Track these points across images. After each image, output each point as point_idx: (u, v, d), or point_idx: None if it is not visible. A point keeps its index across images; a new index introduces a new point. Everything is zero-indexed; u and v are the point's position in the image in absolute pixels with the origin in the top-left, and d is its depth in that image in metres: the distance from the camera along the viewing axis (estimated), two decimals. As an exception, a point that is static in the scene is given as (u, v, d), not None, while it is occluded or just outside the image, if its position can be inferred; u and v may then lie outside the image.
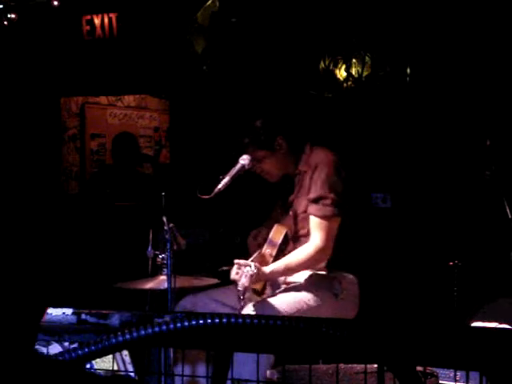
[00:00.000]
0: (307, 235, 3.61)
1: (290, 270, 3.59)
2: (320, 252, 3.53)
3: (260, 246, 3.74)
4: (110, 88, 6.46)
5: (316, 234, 3.53)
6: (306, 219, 3.62)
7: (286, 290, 3.59)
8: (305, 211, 3.62)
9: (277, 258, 3.65)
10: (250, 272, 3.33)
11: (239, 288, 3.33)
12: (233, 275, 3.46)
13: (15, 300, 1.33)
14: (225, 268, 3.62)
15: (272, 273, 3.52)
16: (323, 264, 3.62)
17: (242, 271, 3.36)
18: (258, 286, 3.57)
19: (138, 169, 6.10)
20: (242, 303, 3.38)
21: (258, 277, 3.39)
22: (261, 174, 3.71)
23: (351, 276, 3.65)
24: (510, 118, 4.58)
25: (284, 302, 3.48)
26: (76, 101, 7.12)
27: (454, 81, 4.76)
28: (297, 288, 3.59)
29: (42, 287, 1.37)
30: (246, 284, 3.32)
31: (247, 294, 3.39)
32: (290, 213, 3.70)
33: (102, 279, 4.52)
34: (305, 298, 3.52)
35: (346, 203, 3.58)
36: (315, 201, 3.54)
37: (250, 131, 3.61)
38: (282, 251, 3.66)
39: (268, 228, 3.79)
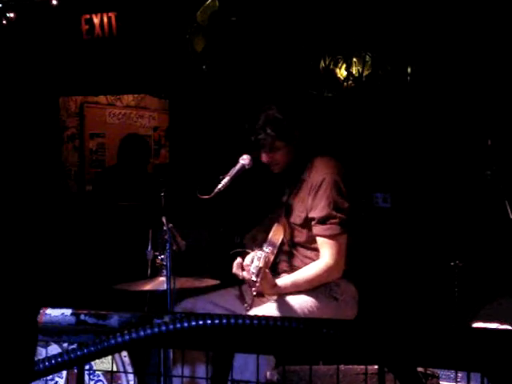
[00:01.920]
0: (303, 244, 3.63)
1: (298, 287, 3.56)
2: (331, 269, 3.53)
3: (259, 247, 3.73)
4: (109, 87, 6.45)
5: (326, 252, 3.53)
6: (299, 230, 3.64)
7: (286, 294, 3.58)
8: (298, 224, 3.63)
9: (277, 257, 3.64)
10: (264, 253, 3.31)
11: (252, 271, 3.28)
12: (247, 260, 3.42)
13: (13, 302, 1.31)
14: (238, 250, 3.60)
15: (279, 288, 3.50)
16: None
17: (254, 255, 3.35)
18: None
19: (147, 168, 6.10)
20: (256, 284, 3.31)
21: (268, 262, 3.36)
22: (270, 163, 3.70)
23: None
24: (511, 117, 4.57)
25: (285, 306, 3.47)
26: (75, 100, 7.12)
27: (455, 80, 4.75)
28: (299, 293, 3.58)
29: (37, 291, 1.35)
30: (261, 265, 3.28)
31: (262, 275, 3.29)
32: (282, 212, 3.71)
33: (101, 280, 4.51)
34: (305, 301, 3.52)
35: (351, 219, 3.58)
36: (322, 221, 3.54)
37: (273, 121, 3.61)
38: (279, 251, 3.67)
39: (265, 228, 3.79)
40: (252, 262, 3.34)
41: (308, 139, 3.72)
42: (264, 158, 3.67)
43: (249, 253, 3.50)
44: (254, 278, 3.27)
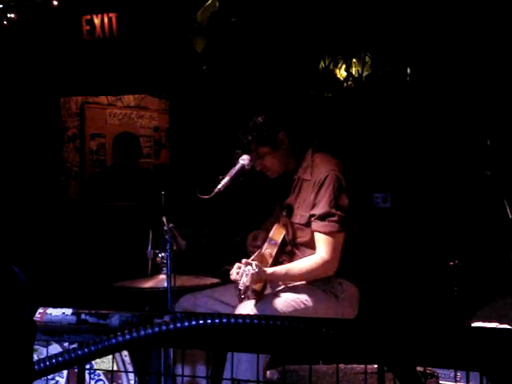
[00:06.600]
0: (307, 244, 3.62)
1: (292, 277, 3.58)
2: (325, 264, 3.54)
3: (259, 247, 3.74)
4: (109, 88, 6.45)
5: (322, 248, 3.54)
6: (304, 230, 3.63)
7: (286, 289, 3.59)
8: (303, 223, 3.63)
9: (277, 257, 3.65)
10: (252, 271, 3.32)
11: (240, 287, 3.31)
12: (234, 275, 3.46)
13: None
14: (227, 267, 3.61)
15: (273, 274, 3.52)
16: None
17: (243, 270, 3.35)
18: (258, 287, 3.57)
19: (139, 164, 6.15)
20: (244, 302, 3.38)
21: (258, 276, 3.38)
22: (262, 170, 3.71)
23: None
24: (510, 117, 4.58)
25: (284, 302, 3.48)
26: (76, 101, 7.11)
27: (454, 80, 4.75)
28: (297, 288, 3.59)
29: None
30: (248, 283, 3.30)
31: (248, 294, 3.37)
32: (284, 213, 3.71)
33: (101, 279, 4.52)
34: (305, 297, 3.52)
35: (351, 217, 3.58)
36: (321, 218, 3.54)
37: (253, 128, 3.61)
38: (281, 251, 3.66)
39: (267, 229, 3.79)
40: (241, 278, 3.34)
41: (300, 140, 3.71)
42: (256, 166, 3.67)
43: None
44: (242, 296, 3.33)
